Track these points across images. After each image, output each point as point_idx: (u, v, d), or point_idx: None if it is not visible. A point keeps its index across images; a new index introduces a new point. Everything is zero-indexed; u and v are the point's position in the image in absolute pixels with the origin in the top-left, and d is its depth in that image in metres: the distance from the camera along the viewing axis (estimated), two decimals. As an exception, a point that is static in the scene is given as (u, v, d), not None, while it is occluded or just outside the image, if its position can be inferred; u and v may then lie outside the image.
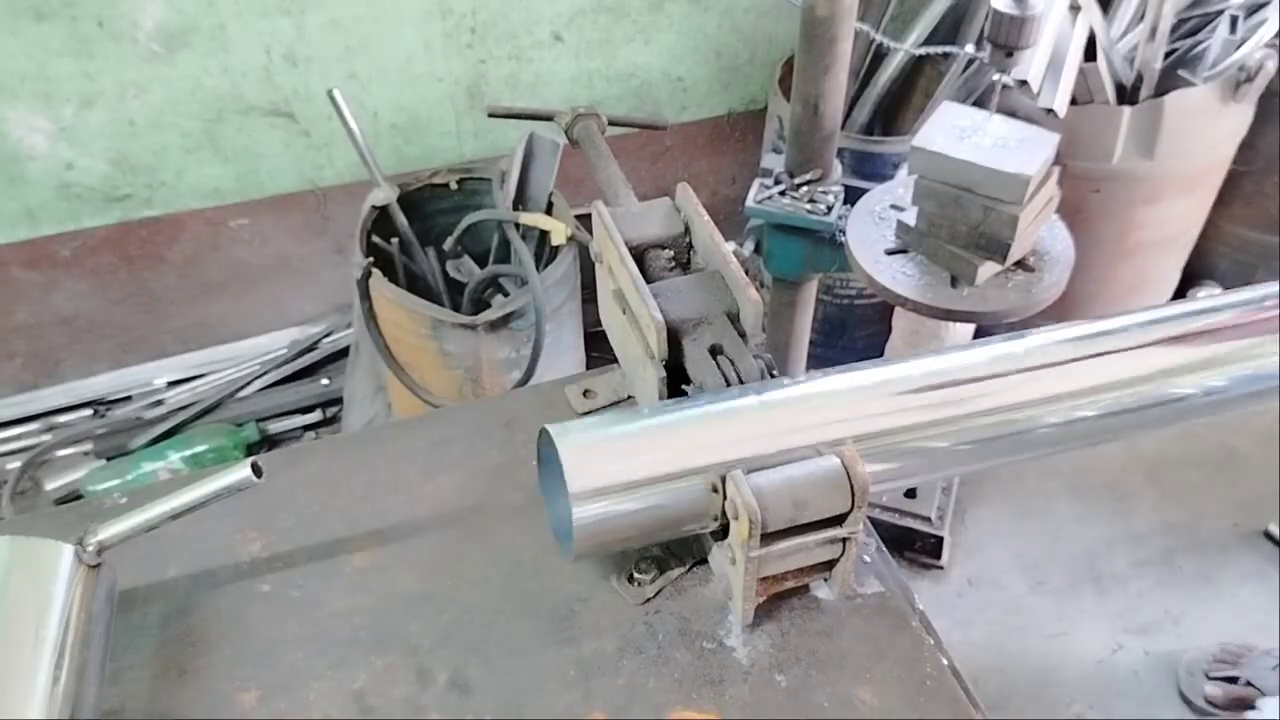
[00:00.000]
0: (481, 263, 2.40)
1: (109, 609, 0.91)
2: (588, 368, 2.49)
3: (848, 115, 2.54)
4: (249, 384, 2.79)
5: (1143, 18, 2.31)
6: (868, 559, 1.01)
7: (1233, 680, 2.17)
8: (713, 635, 0.95)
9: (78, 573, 0.87)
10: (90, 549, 0.88)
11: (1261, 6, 2.34)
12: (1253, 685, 2.14)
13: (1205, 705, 2.19)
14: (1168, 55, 2.36)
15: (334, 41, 2.40)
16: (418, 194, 2.45)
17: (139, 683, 0.93)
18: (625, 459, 0.90)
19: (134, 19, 2.22)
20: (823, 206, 1.78)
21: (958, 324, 2.09)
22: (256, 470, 0.90)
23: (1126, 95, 2.37)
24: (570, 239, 2.24)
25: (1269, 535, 2.53)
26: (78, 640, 0.84)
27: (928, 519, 2.46)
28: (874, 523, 1.02)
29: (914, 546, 2.49)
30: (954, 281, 1.58)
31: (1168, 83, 2.35)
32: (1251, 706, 2.11)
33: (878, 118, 2.64)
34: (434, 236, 2.45)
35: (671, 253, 1.11)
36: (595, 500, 0.87)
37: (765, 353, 1.01)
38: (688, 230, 1.12)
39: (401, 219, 2.35)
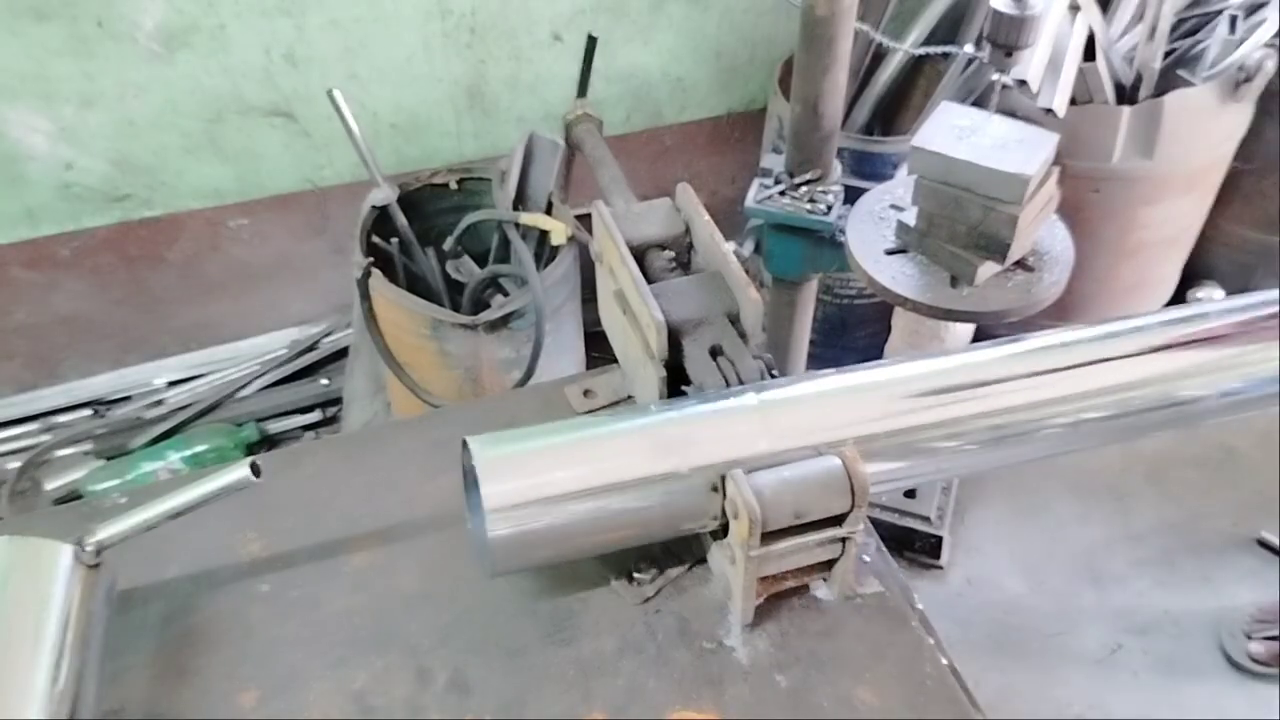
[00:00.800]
0: (481, 263, 2.40)
1: (108, 609, 0.91)
2: (588, 368, 2.49)
3: (847, 115, 2.54)
4: (249, 384, 2.79)
5: (1142, 18, 2.31)
6: (867, 559, 1.01)
7: (1276, 638, 2.24)
8: (712, 635, 0.95)
9: (77, 573, 0.87)
10: (90, 549, 0.88)
11: (1261, 6, 2.34)
12: None
13: (1251, 664, 2.25)
14: (1167, 55, 2.35)
15: (334, 42, 2.40)
16: (418, 194, 2.44)
17: (139, 683, 0.93)
18: (551, 471, 0.90)
19: (134, 19, 2.22)
20: (822, 206, 1.78)
21: (958, 324, 2.09)
22: (256, 470, 0.90)
23: (1126, 95, 2.37)
24: (570, 239, 2.24)
25: (1262, 543, 2.50)
26: (77, 640, 0.84)
27: (927, 519, 2.46)
28: (874, 523, 1.02)
29: (914, 546, 2.49)
30: (954, 281, 1.58)
31: (1167, 83, 2.35)
32: None
33: (877, 118, 2.64)
34: (434, 236, 2.45)
35: (672, 253, 1.12)
36: (512, 513, 0.87)
37: (765, 353, 1.01)
38: (688, 230, 1.13)
39: (401, 219, 2.35)
